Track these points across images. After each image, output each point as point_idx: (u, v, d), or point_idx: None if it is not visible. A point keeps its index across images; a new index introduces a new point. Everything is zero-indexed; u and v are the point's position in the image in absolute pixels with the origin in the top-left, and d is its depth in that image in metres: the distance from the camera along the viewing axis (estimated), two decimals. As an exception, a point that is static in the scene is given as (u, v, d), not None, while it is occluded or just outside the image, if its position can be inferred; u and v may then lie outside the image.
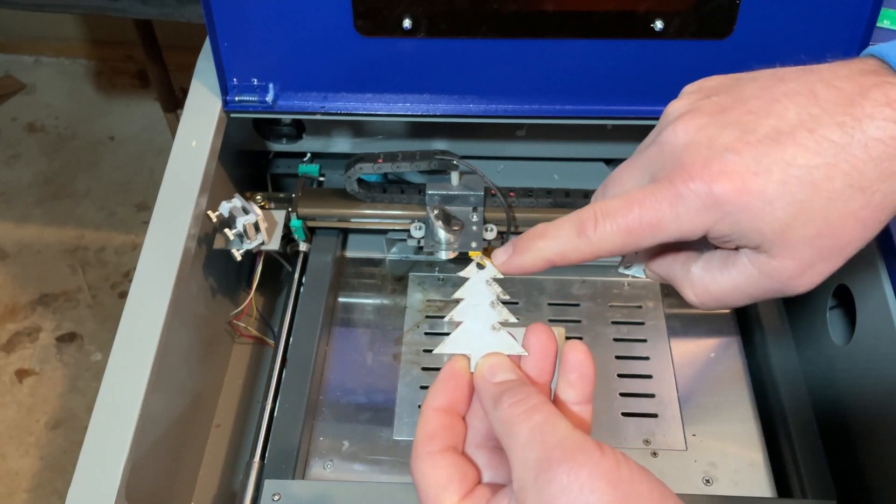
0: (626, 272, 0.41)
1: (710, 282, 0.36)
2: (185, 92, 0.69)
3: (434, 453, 0.34)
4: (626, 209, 0.34)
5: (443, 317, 0.72)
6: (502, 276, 0.38)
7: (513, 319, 0.37)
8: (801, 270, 0.34)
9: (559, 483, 0.29)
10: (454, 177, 0.68)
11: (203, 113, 0.66)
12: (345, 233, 0.77)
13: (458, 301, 0.38)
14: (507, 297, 0.38)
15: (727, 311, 0.72)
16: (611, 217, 0.34)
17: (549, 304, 0.72)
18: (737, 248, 0.35)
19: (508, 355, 0.36)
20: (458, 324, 0.37)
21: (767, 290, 0.35)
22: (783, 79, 0.35)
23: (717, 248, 0.36)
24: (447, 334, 0.70)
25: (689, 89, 0.37)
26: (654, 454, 0.62)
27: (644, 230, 0.34)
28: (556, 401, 0.35)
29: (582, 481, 0.29)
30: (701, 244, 0.37)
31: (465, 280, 0.38)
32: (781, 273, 0.34)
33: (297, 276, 0.73)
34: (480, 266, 0.37)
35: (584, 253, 0.35)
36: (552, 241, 0.35)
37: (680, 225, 0.33)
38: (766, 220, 0.32)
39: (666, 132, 0.35)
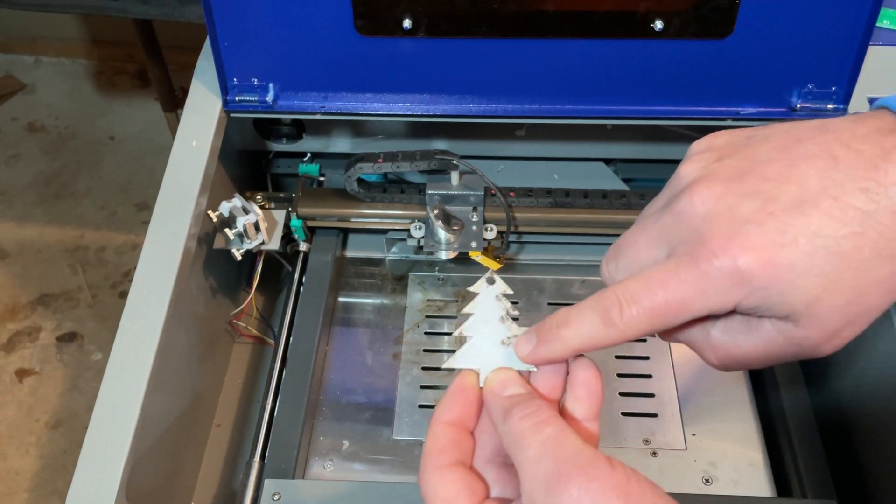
0: None
1: (732, 345, 0.35)
2: (185, 92, 0.69)
3: (443, 467, 0.34)
4: (651, 293, 0.32)
5: (443, 317, 0.72)
6: (511, 292, 0.38)
7: (520, 333, 0.37)
8: (828, 338, 0.33)
9: (570, 497, 0.29)
10: (454, 177, 0.68)
11: (203, 113, 0.66)
12: (345, 233, 0.77)
13: (467, 316, 0.37)
14: (516, 313, 0.38)
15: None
16: (636, 302, 0.32)
17: (549, 304, 0.72)
18: (761, 317, 0.34)
19: (518, 371, 0.36)
20: (466, 338, 0.37)
21: (792, 354, 0.34)
22: (799, 139, 0.33)
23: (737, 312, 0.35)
24: (448, 334, 0.70)
25: (697, 148, 0.36)
26: (654, 454, 0.62)
27: (671, 312, 0.32)
28: (563, 415, 0.35)
29: (593, 495, 0.29)
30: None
31: (473, 295, 0.38)
32: (808, 341, 0.33)
33: (297, 275, 0.73)
34: (490, 281, 0.37)
35: (613, 340, 0.33)
36: (577, 330, 0.34)
37: (708, 303, 0.32)
38: (795, 293, 0.31)
39: (682, 201, 0.33)
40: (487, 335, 0.37)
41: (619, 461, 0.31)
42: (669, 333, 0.37)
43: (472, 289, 0.38)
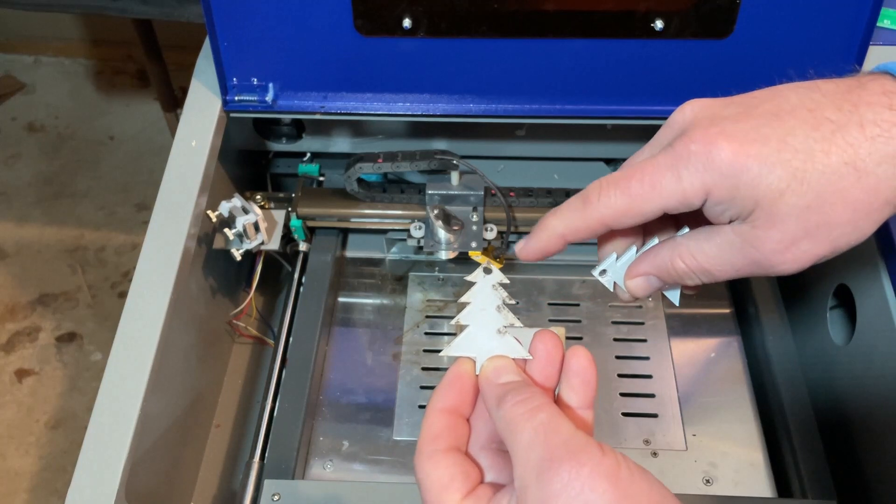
0: (666, 294, 0.42)
1: (697, 250, 0.37)
2: (184, 91, 0.69)
3: (437, 452, 0.34)
4: (629, 175, 0.35)
5: (443, 317, 0.72)
6: (508, 282, 0.38)
7: (518, 323, 0.38)
8: (784, 244, 0.34)
9: (560, 481, 0.29)
10: (454, 176, 0.68)
11: (203, 113, 0.66)
12: (345, 233, 0.77)
13: (463, 305, 0.38)
14: (512, 302, 0.38)
15: (727, 310, 0.72)
16: (614, 184, 0.36)
17: (550, 304, 0.72)
18: (729, 223, 0.36)
19: (513, 359, 0.36)
20: (463, 327, 0.37)
21: (751, 260, 0.35)
22: (785, 86, 0.36)
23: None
24: (447, 334, 0.70)
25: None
26: (655, 454, 0.62)
27: (646, 192, 0.35)
28: (558, 404, 0.35)
29: (583, 479, 0.29)
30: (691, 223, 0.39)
31: (471, 284, 0.39)
32: (764, 243, 0.34)
33: (296, 275, 0.73)
34: (487, 271, 0.38)
35: (590, 221, 0.37)
36: (560, 217, 0.37)
37: (680, 186, 0.34)
38: (761, 185, 0.33)
39: (674, 114, 0.37)
40: (484, 324, 0.37)
41: (611, 448, 0.31)
42: (647, 233, 0.41)
43: (469, 278, 0.39)
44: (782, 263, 0.35)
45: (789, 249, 0.34)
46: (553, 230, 0.38)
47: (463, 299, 0.38)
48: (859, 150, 0.33)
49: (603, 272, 0.41)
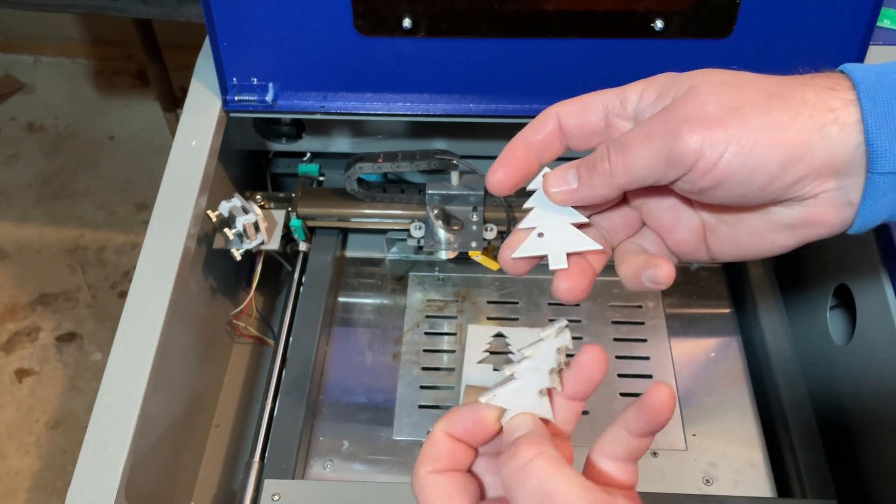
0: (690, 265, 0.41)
1: (623, 136, 0.36)
2: (184, 91, 0.69)
3: (435, 472, 0.33)
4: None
5: (443, 317, 0.72)
6: (571, 347, 0.36)
7: (583, 219, 0.38)
8: (699, 118, 0.33)
9: None
10: (454, 176, 0.68)
11: (203, 112, 0.66)
12: (345, 232, 0.77)
13: (522, 357, 0.36)
14: (564, 367, 0.36)
15: (727, 310, 0.72)
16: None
17: (550, 304, 0.72)
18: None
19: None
20: (510, 377, 0.36)
21: (668, 140, 0.33)
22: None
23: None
24: (448, 334, 0.70)
25: None
26: (655, 454, 0.62)
27: (589, 96, 0.38)
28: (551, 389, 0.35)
29: None
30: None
31: (536, 339, 0.37)
32: (680, 110, 0.33)
33: (296, 275, 0.73)
34: (560, 331, 0.36)
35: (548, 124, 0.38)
36: (521, 134, 0.38)
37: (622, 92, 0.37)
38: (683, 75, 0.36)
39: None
40: (532, 381, 0.35)
41: (623, 497, 0.30)
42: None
43: (542, 333, 0.36)
44: (690, 138, 0.33)
45: (698, 115, 0.33)
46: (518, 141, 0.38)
47: (526, 352, 0.36)
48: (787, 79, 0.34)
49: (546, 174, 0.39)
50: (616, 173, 0.35)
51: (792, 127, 0.32)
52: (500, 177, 0.37)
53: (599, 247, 0.37)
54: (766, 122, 0.32)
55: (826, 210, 0.34)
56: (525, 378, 0.35)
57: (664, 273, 0.36)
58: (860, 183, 0.33)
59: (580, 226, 0.38)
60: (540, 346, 0.36)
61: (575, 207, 0.38)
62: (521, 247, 0.37)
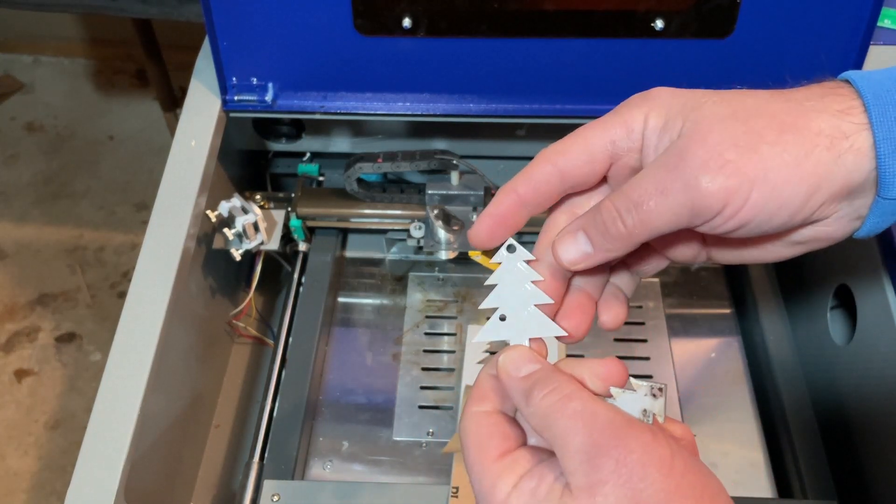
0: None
1: (627, 185, 0.34)
2: (184, 91, 0.69)
3: (479, 413, 0.34)
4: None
5: (443, 317, 0.72)
6: (534, 258, 0.36)
7: (549, 300, 0.35)
8: (711, 156, 0.32)
9: (607, 468, 0.28)
10: (454, 176, 0.68)
11: (202, 112, 0.66)
12: (344, 233, 0.77)
13: (491, 287, 0.36)
14: (539, 278, 0.36)
15: (727, 310, 0.72)
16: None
17: (549, 304, 0.72)
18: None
19: (531, 343, 0.35)
20: (493, 310, 0.35)
21: (682, 184, 0.32)
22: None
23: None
24: (448, 334, 0.70)
25: None
26: (655, 454, 0.62)
27: (574, 138, 0.37)
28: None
29: (631, 467, 0.28)
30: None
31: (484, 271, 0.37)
32: (692, 153, 0.32)
33: (296, 276, 0.73)
34: (511, 249, 0.36)
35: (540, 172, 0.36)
36: (514, 180, 0.36)
37: (621, 117, 0.36)
38: (690, 100, 0.34)
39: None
40: (515, 304, 0.35)
41: (666, 434, 0.30)
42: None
43: (494, 260, 0.36)
44: (712, 187, 0.31)
45: (715, 161, 0.31)
46: (510, 189, 0.35)
47: (489, 282, 0.36)
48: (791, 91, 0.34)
49: (510, 246, 0.36)
50: (634, 233, 0.33)
51: (809, 159, 0.32)
52: (484, 231, 0.36)
53: (564, 333, 0.36)
54: (786, 160, 0.32)
55: (836, 228, 0.34)
56: (503, 303, 0.35)
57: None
58: (869, 202, 0.33)
59: (545, 305, 0.36)
60: (499, 270, 0.36)
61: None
62: (482, 332, 0.36)
